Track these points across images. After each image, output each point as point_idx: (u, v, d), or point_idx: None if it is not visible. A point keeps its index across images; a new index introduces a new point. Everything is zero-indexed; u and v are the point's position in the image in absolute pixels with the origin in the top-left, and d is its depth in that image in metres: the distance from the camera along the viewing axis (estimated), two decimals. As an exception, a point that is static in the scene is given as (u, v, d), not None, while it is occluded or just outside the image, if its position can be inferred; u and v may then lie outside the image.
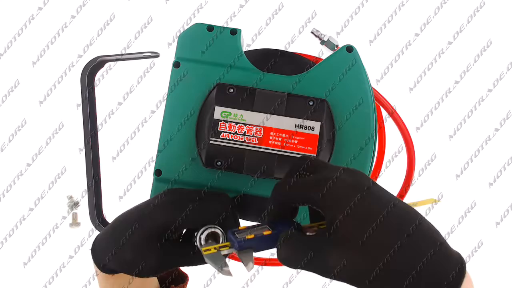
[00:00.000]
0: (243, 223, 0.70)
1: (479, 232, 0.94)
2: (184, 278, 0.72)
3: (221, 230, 0.59)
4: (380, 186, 0.51)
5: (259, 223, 0.56)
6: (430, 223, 0.48)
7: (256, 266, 0.80)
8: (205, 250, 0.54)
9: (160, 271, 0.60)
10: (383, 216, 0.47)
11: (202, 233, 0.59)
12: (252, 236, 0.53)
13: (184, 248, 0.60)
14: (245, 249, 0.53)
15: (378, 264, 0.45)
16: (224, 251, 0.54)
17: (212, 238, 0.59)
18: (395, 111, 0.74)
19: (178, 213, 0.59)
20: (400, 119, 0.75)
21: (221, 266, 0.53)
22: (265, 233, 0.53)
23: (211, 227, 0.59)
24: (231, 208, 0.62)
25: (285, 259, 0.50)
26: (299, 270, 0.52)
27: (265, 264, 0.75)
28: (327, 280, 0.60)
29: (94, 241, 0.63)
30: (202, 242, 0.58)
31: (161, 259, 0.59)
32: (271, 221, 0.56)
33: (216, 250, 0.54)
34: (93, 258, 0.62)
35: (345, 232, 0.47)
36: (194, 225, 0.60)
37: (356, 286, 0.47)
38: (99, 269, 0.62)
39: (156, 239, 0.59)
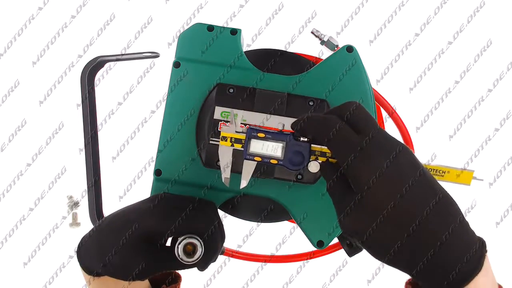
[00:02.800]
0: (243, 223, 0.70)
1: (479, 232, 0.94)
2: (177, 278, 0.71)
3: (199, 240, 0.59)
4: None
5: (279, 131, 0.58)
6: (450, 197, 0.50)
7: (256, 264, 0.80)
8: (222, 138, 0.59)
9: (146, 276, 0.59)
10: (411, 185, 0.48)
11: (180, 243, 0.58)
12: (259, 159, 0.58)
13: (172, 252, 0.59)
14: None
15: (401, 236, 0.48)
16: (237, 148, 0.59)
17: (191, 247, 0.59)
18: (395, 111, 0.74)
19: (166, 224, 0.59)
20: (400, 119, 0.75)
21: (226, 164, 0.60)
22: (272, 161, 0.57)
23: (189, 237, 0.59)
24: (218, 221, 0.62)
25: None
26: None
27: (266, 261, 0.75)
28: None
29: (80, 243, 0.62)
30: (180, 253, 0.58)
31: (148, 263, 0.58)
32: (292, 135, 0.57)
33: (230, 144, 0.59)
34: (78, 260, 0.61)
35: (373, 199, 0.48)
36: (181, 235, 0.60)
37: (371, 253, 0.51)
38: (85, 271, 0.61)
39: (142, 244, 0.58)
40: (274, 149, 0.57)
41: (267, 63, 0.70)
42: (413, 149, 0.75)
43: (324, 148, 0.56)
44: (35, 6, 1.02)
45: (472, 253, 0.49)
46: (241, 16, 0.98)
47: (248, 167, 0.59)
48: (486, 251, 0.50)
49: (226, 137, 0.59)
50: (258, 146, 0.57)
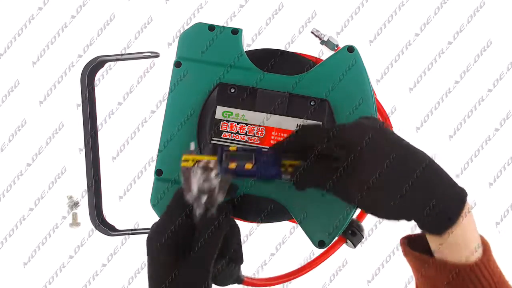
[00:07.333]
0: (243, 223, 0.70)
1: (479, 232, 0.94)
2: None
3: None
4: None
5: (247, 146, 0.61)
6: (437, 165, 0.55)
7: (256, 265, 0.80)
8: (184, 160, 0.57)
9: None
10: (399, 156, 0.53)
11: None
12: (234, 165, 0.56)
13: None
14: (225, 175, 0.57)
15: (393, 199, 0.52)
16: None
17: None
18: (388, 118, 0.74)
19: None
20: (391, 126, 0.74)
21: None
22: (247, 166, 0.56)
23: None
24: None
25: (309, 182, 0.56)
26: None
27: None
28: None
29: None
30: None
31: None
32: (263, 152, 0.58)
33: (193, 163, 0.57)
34: None
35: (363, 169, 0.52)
36: None
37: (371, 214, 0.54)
38: None
39: None
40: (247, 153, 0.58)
41: (268, 63, 0.70)
42: None
43: (294, 161, 0.57)
44: (35, 6, 1.02)
45: (459, 190, 0.55)
46: (241, 16, 0.98)
47: (223, 185, 0.57)
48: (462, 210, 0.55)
49: (187, 159, 0.58)
50: (232, 156, 0.57)
